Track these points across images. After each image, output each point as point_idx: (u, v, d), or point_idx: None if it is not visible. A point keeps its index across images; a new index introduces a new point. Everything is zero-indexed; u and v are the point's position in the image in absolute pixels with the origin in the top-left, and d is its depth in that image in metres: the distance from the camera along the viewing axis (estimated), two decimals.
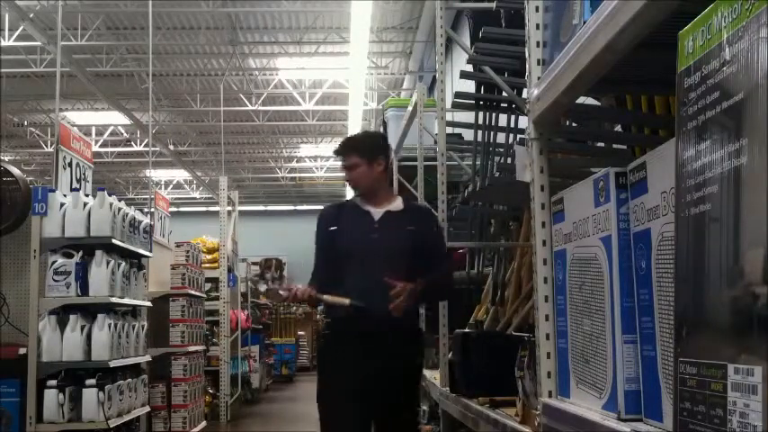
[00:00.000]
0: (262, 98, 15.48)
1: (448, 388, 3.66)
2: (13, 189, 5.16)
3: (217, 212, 10.39)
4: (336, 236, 3.47)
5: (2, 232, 5.20)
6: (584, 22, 1.73)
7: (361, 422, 3.39)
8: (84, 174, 5.81)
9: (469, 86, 4.01)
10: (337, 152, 3.66)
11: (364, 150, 3.58)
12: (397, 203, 3.58)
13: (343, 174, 3.66)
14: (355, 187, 3.61)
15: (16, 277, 5.26)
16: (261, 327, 14.08)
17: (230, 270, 10.17)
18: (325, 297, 3.34)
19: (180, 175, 21.64)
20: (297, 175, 22.90)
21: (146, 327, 5.92)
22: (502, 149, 3.68)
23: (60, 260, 5.03)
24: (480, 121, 3.76)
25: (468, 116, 4.07)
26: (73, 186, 5.53)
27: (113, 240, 5.15)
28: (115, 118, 15.87)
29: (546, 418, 1.95)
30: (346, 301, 3.30)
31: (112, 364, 5.05)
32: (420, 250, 3.44)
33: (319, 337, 3.74)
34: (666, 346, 1.44)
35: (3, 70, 12.20)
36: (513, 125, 3.68)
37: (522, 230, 4.03)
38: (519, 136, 3.58)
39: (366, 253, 3.40)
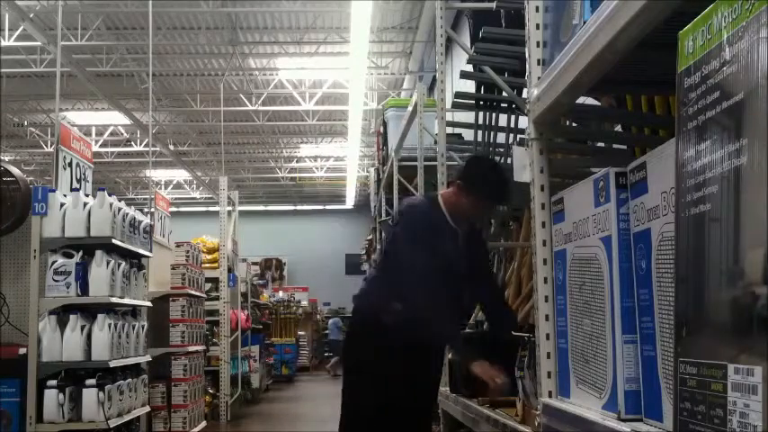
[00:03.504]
0: (262, 98, 15.49)
1: (448, 388, 3.66)
2: (13, 189, 5.16)
3: (217, 212, 10.39)
4: (445, 250, 3.27)
5: (2, 232, 5.21)
6: (584, 22, 1.73)
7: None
8: (84, 174, 5.82)
9: (469, 86, 4.02)
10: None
11: None
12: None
13: (487, 212, 3.55)
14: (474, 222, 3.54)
15: (16, 277, 5.26)
16: (261, 327, 14.08)
17: (230, 270, 10.17)
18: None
19: (180, 175, 21.64)
20: (297, 175, 22.90)
21: (146, 327, 5.92)
22: (502, 149, 3.68)
23: (60, 260, 5.03)
24: (480, 121, 3.76)
25: (468, 116, 4.07)
26: (73, 186, 5.53)
27: (113, 240, 5.15)
28: (115, 118, 15.88)
29: (546, 418, 1.95)
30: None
31: (112, 364, 5.05)
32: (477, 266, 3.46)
33: (365, 343, 3.40)
34: (666, 346, 1.44)
35: (3, 70, 12.20)
36: (513, 125, 3.68)
37: (522, 230, 4.03)
38: (519, 136, 3.59)
39: (454, 272, 3.29)
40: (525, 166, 2.14)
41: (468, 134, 4.53)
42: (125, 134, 17.84)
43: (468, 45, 3.89)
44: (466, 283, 3.38)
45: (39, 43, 11.40)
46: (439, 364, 3.51)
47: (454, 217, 3.33)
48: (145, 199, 18.67)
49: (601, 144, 3.10)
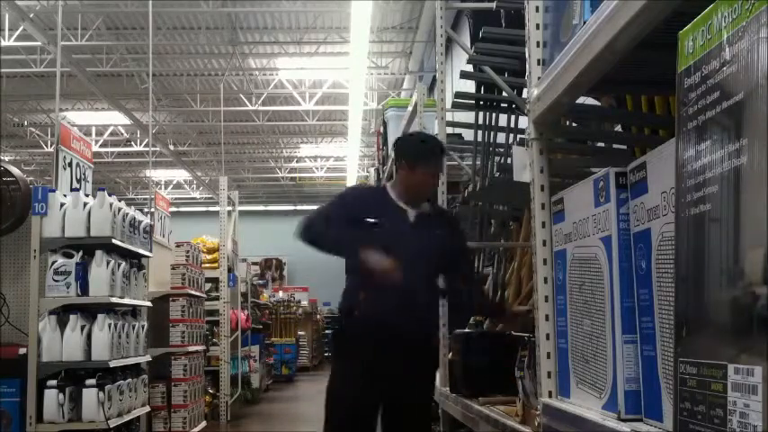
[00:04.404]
0: (262, 98, 15.48)
1: (448, 388, 3.66)
2: (13, 189, 5.16)
3: (217, 212, 10.39)
4: (374, 229, 3.33)
5: (2, 232, 5.21)
6: (585, 22, 1.73)
7: (371, 423, 3.37)
8: (84, 174, 5.82)
9: (469, 86, 4.01)
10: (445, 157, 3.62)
11: None
12: (426, 205, 3.51)
13: (430, 180, 3.44)
14: (428, 195, 3.55)
15: (16, 277, 5.26)
16: (261, 327, 14.08)
17: (230, 270, 10.16)
18: None
19: (180, 175, 21.65)
20: (297, 175, 22.90)
21: (146, 327, 5.92)
22: (502, 149, 3.68)
23: (60, 260, 5.03)
24: (480, 121, 3.76)
25: (468, 116, 4.07)
26: (73, 186, 5.53)
27: (113, 240, 5.15)
28: (115, 118, 15.88)
29: (546, 418, 1.95)
30: None
31: (112, 364, 5.05)
32: (443, 256, 3.41)
33: (338, 333, 3.60)
34: (666, 346, 1.44)
35: (3, 70, 12.20)
36: (513, 125, 3.68)
37: (522, 230, 4.03)
38: (519, 136, 3.59)
39: (400, 254, 3.25)
40: (525, 166, 2.14)
41: (468, 134, 4.53)
42: (125, 134, 17.84)
43: (468, 45, 3.89)
44: (437, 269, 3.41)
45: (39, 43, 11.40)
46: (420, 360, 3.39)
47: (406, 198, 3.42)
48: (145, 199, 18.68)
49: (601, 144, 3.10)
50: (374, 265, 3.16)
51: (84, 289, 5.05)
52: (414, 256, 3.27)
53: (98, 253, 5.12)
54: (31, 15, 10.58)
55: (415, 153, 3.45)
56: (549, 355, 2.01)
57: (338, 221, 3.38)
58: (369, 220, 3.35)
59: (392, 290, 3.21)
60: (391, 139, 6.98)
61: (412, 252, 3.28)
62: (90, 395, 4.92)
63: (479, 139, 3.77)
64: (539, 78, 2.08)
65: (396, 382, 3.32)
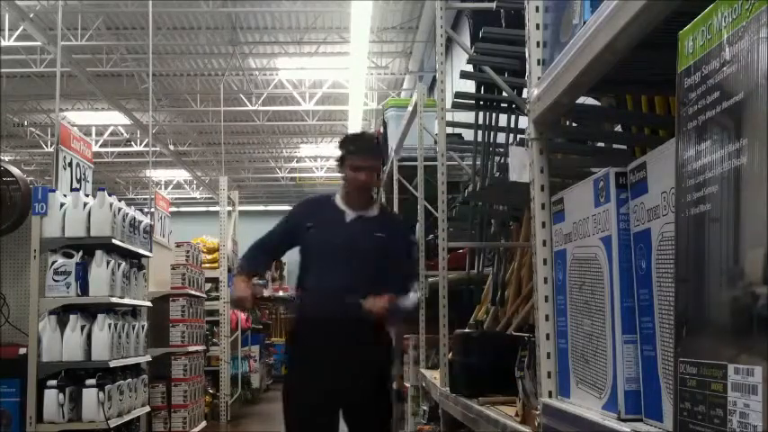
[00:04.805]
0: (262, 98, 15.48)
1: (448, 388, 3.66)
2: (13, 189, 5.17)
3: (217, 212, 10.39)
4: (309, 231, 3.53)
5: (2, 232, 5.21)
6: (584, 22, 1.73)
7: (328, 423, 3.41)
8: (84, 174, 5.82)
9: (469, 86, 4.01)
10: (373, 151, 3.61)
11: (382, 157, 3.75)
12: (373, 210, 3.60)
13: (355, 174, 3.49)
14: (365, 191, 3.57)
15: (16, 277, 5.26)
16: (261, 327, 14.08)
17: (230, 270, 10.16)
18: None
19: (180, 175, 21.64)
20: (297, 175, 22.89)
21: (146, 327, 5.92)
22: (502, 149, 3.67)
23: (60, 260, 5.03)
24: (480, 121, 3.76)
25: (468, 116, 4.07)
26: (73, 186, 5.53)
27: (113, 240, 5.15)
28: (115, 118, 15.87)
29: (546, 418, 1.95)
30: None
31: (112, 364, 5.05)
32: (383, 257, 3.46)
33: (287, 334, 3.84)
34: (666, 346, 1.44)
35: (3, 70, 12.19)
36: (513, 125, 3.68)
37: (522, 230, 4.02)
38: (519, 136, 3.58)
39: (331, 252, 3.44)
40: (524, 166, 2.14)
41: (468, 134, 4.52)
42: (125, 134, 17.83)
43: (469, 45, 3.88)
44: (372, 269, 3.43)
45: (39, 43, 11.39)
46: (361, 358, 3.41)
47: (347, 198, 3.56)
48: (145, 199, 18.66)
49: (601, 144, 3.10)
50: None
51: (84, 289, 5.05)
52: (344, 255, 3.42)
53: (98, 253, 5.12)
54: (31, 15, 10.58)
55: (340, 148, 3.61)
56: (549, 355, 2.01)
57: (272, 240, 3.80)
58: (306, 224, 3.55)
59: (323, 289, 3.39)
60: (391, 140, 6.99)
61: (342, 251, 3.43)
62: (90, 395, 4.93)
63: (479, 139, 3.77)
64: (539, 78, 2.08)
65: (338, 380, 3.39)
